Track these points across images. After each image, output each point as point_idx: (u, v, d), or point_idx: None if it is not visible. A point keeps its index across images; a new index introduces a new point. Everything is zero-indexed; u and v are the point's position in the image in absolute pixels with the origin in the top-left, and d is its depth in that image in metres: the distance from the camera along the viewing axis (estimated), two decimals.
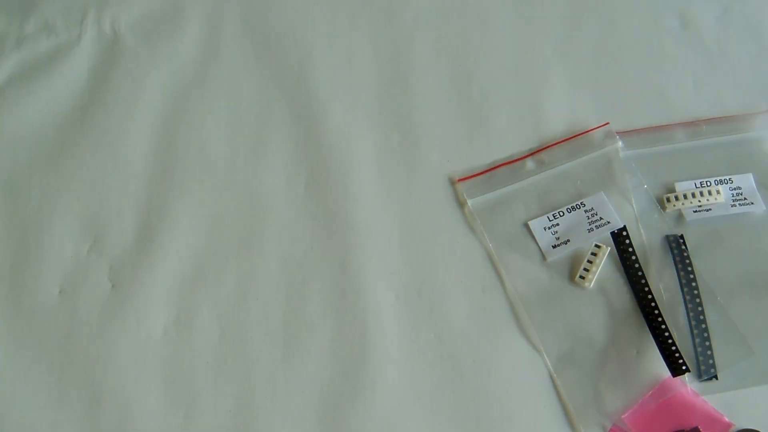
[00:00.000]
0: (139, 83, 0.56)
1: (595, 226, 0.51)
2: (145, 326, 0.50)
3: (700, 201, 0.52)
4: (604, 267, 0.50)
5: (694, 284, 0.49)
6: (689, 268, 0.50)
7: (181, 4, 0.60)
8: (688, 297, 0.49)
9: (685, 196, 0.52)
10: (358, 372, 0.48)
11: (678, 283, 0.50)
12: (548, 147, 0.54)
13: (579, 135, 0.54)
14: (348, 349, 0.49)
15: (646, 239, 0.51)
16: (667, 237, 0.51)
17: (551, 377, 0.48)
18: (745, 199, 0.52)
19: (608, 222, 0.51)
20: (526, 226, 0.52)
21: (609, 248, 0.51)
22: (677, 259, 0.50)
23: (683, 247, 0.51)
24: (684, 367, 0.47)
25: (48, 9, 0.59)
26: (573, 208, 0.52)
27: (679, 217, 0.52)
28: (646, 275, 0.50)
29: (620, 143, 0.53)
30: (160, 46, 0.58)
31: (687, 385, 0.47)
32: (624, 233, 0.50)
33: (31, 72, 0.56)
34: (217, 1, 0.60)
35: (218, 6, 0.60)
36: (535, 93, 0.56)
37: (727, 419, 0.47)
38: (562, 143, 0.54)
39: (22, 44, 0.57)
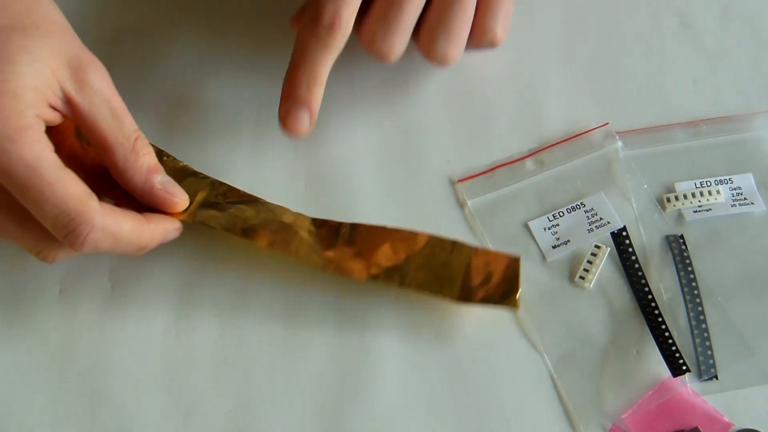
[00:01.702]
0: (138, 83, 0.56)
1: (595, 227, 0.51)
2: (145, 326, 0.50)
3: (700, 201, 0.52)
4: (604, 267, 0.50)
5: (694, 284, 0.49)
6: (689, 268, 0.50)
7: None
8: (688, 297, 0.49)
9: (685, 196, 0.52)
10: (358, 372, 0.48)
11: (678, 283, 0.50)
12: (548, 147, 0.54)
13: (579, 135, 0.54)
14: (348, 349, 0.49)
15: (646, 239, 0.51)
16: (667, 237, 0.51)
17: (551, 377, 0.48)
18: (745, 199, 0.52)
19: (608, 222, 0.51)
20: (526, 226, 0.52)
21: (609, 248, 0.51)
22: (677, 259, 0.50)
23: (683, 247, 0.51)
24: (684, 368, 0.47)
25: None
26: (573, 209, 0.52)
27: (679, 217, 0.52)
28: (646, 275, 0.50)
29: (620, 143, 0.53)
30: (159, 45, 0.58)
31: (687, 385, 0.47)
32: (624, 233, 0.50)
33: None
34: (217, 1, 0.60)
35: (218, 5, 0.60)
36: (535, 93, 0.56)
37: (727, 419, 0.47)
38: (562, 143, 0.54)
39: None
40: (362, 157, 0.53)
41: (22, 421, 0.47)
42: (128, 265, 0.51)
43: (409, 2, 0.48)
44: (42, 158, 0.42)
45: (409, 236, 0.50)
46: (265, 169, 0.54)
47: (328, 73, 0.49)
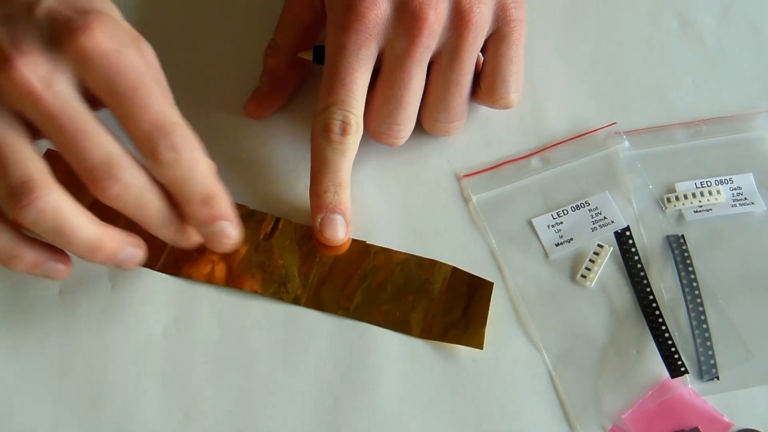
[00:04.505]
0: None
1: (599, 226, 0.51)
2: (145, 326, 0.49)
3: (700, 201, 0.52)
4: (605, 267, 0.50)
5: (695, 284, 0.49)
6: (690, 269, 0.50)
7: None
8: (689, 297, 0.49)
9: (685, 196, 0.52)
10: (358, 372, 0.48)
11: (679, 283, 0.50)
12: (554, 145, 0.54)
13: (585, 134, 0.54)
14: (348, 349, 0.49)
15: (647, 239, 0.51)
16: (667, 237, 0.51)
17: (550, 376, 0.48)
18: (745, 199, 0.52)
19: (612, 222, 0.51)
20: (530, 223, 0.52)
21: (611, 248, 0.51)
22: (678, 259, 0.50)
23: (684, 247, 0.51)
24: (683, 369, 0.47)
25: None
26: (577, 207, 0.52)
27: (680, 217, 0.52)
28: (647, 276, 0.50)
29: (627, 143, 0.54)
30: (160, 46, 0.58)
31: (687, 385, 0.47)
32: (627, 233, 0.50)
33: None
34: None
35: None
36: (535, 93, 0.56)
37: (727, 419, 0.47)
38: (568, 142, 0.54)
39: None
40: (362, 155, 0.53)
41: (22, 422, 0.47)
42: None
43: (408, 95, 0.49)
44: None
45: (384, 256, 0.51)
46: (266, 169, 0.54)
47: (350, 173, 0.50)
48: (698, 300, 0.49)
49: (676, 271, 0.50)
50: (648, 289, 0.49)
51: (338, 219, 0.49)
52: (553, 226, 0.52)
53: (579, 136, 0.54)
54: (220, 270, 0.50)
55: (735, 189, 0.52)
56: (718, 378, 0.47)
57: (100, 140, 0.42)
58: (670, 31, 0.58)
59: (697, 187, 0.52)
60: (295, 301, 0.50)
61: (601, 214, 0.52)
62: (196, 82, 0.57)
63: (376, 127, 0.50)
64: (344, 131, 0.48)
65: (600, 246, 0.51)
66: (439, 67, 0.50)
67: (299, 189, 0.53)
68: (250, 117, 0.55)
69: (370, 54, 0.48)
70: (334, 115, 0.48)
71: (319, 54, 0.52)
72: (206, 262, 0.50)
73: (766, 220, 0.52)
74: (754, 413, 0.47)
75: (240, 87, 0.56)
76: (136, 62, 0.43)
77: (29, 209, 0.41)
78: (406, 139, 0.51)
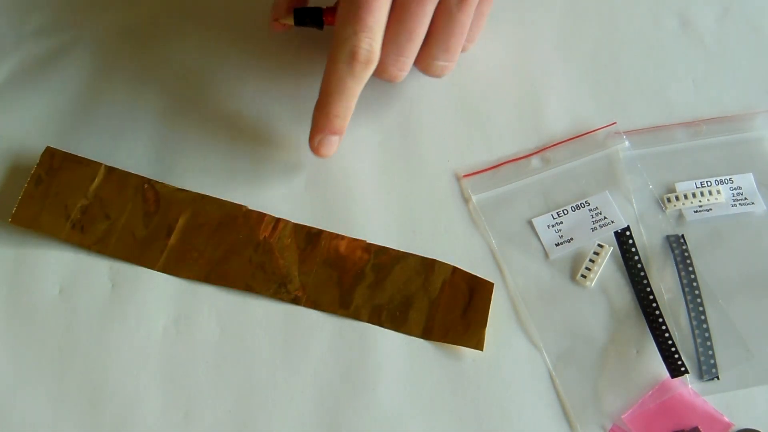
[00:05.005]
0: (139, 84, 0.56)
1: (599, 226, 0.51)
2: (145, 326, 0.49)
3: (700, 201, 0.52)
4: (605, 266, 0.50)
5: (695, 284, 0.49)
6: (690, 269, 0.50)
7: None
8: (689, 297, 0.49)
9: (685, 196, 0.52)
10: (358, 372, 0.48)
11: (679, 283, 0.50)
12: (554, 145, 0.54)
13: (585, 134, 0.54)
14: (348, 349, 0.49)
15: (647, 239, 0.51)
16: (667, 237, 0.51)
17: (550, 376, 0.48)
18: (745, 199, 0.52)
19: (612, 221, 0.51)
20: (530, 223, 0.52)
21: (611, 248, 0.51)
22: (678, 259, 0.50)
23: (684, 247, 0.51)
24: (683, 369, 0.47)
25: (48, 9, 0.58)
26: (577, 207, 0.52)
27: (680, 217, 0.52)
28: (647, 276, 0.50)
29: (627, 143, 0.54)
30: (160, 46, 0.58)
31: (687, 385, 0.47)
32: (627, 233, 0.50)
33: (30, 72, 0.56)
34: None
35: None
36: (535, 93, 0.56)
37: (727, 419, 0.47)
38: (568, 142, 0.54)
39: (22, 44, 0.57)
40: (362, 155, 0.53)
41: (22, 421, 0.47)
42: (128, 264, 0.51)
43: (419, 29, 0.49)
44: None
45: (384, 256, 0.51)
46: (266, 169, 0.54)
47: None
48: (698, 300, 0.49)
49: (676, 271, 0.50)
50: (648, 289, 0.49)
51: (336, 139, 0.50)
52: (553, 226, 0.52)
53: (579, 136, 0.54)
54: (220, 270, 0.50)
55: (735, 189, 0.52)
56: (718, 378, 0.48)
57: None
58: (670, 30, 0.58)
59: (697, 187, 0.52)
60: (295, 301, 0.50)
61: (601, 214, 0.52)
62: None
63: (384, 59, 0.49)
64: (368, 60, 0.47)
65: (600, 246, 0.51)
66: (447, 6, 0.49)
67: (299, 189, 0.53)
68: (273, 29, 0.55)
69: None
70: (362, 43, 0.47)
71: (300, 16, 0.52)
72: (206, 262, 0.50)
73: (766, 220, 0.52)
74: (754, 413, 0.47)
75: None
76: None
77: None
78: (406, 75, 0.51)
